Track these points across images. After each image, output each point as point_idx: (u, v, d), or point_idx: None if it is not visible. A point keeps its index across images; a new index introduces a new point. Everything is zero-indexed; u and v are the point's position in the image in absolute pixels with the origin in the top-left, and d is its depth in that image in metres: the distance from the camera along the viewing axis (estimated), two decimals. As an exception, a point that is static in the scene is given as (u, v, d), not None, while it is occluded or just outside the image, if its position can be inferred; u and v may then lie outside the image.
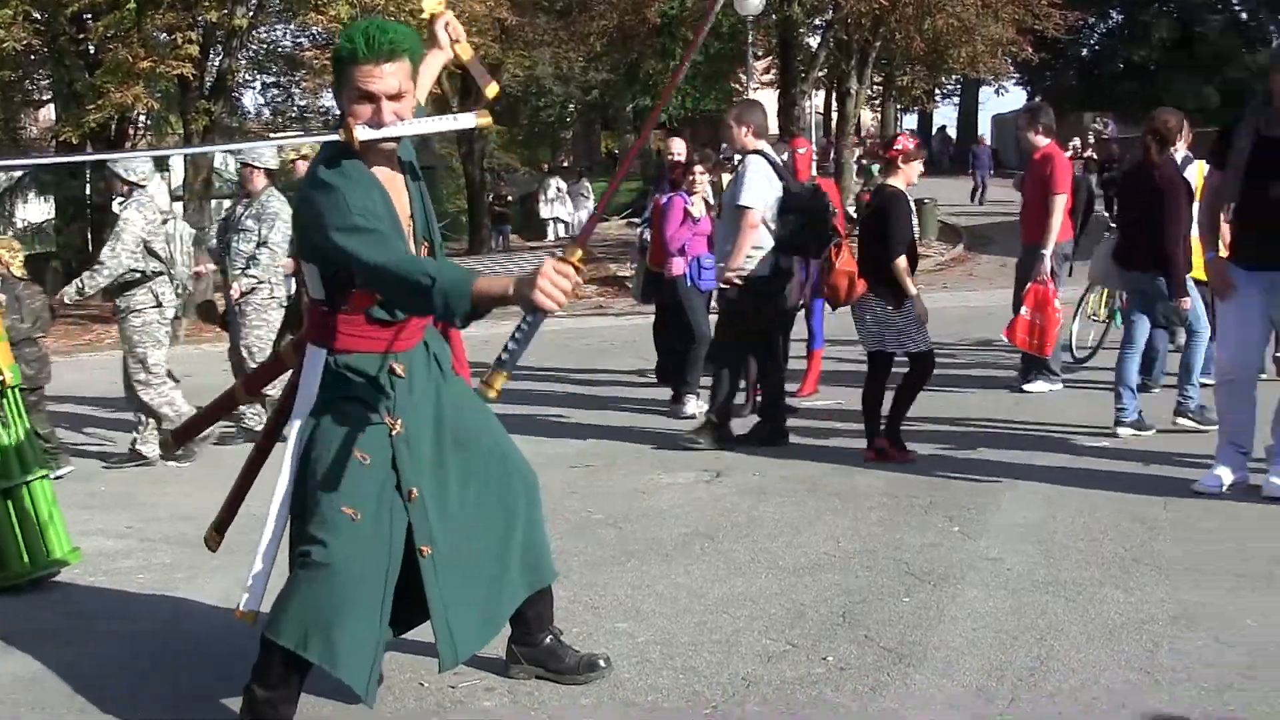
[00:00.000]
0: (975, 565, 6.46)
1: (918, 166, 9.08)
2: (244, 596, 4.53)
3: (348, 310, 4.36)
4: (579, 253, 3.83)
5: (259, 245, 10.56)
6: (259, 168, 10.69)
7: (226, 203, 15.26)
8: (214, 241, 11.96)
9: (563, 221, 40.25)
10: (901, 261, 8.85)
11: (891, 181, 8.98)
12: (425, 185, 4.62)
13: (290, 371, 4.72)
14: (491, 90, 4.61)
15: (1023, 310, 10.20)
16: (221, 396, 5.12)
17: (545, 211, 40.32)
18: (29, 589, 6.80)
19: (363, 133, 4.17)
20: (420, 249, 4.45)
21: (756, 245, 9.44)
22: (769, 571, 6.53)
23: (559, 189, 40.48)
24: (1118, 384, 9.39)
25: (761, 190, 9.41)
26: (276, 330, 10.78)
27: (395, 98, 4.19)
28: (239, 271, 10.59)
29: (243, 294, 10.58)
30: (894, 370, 9.19)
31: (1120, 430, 9.33)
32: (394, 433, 4.37)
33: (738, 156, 9.79)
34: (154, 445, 10.19)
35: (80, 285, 9.90)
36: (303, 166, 11.26)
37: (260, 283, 10.56)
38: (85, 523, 8.06)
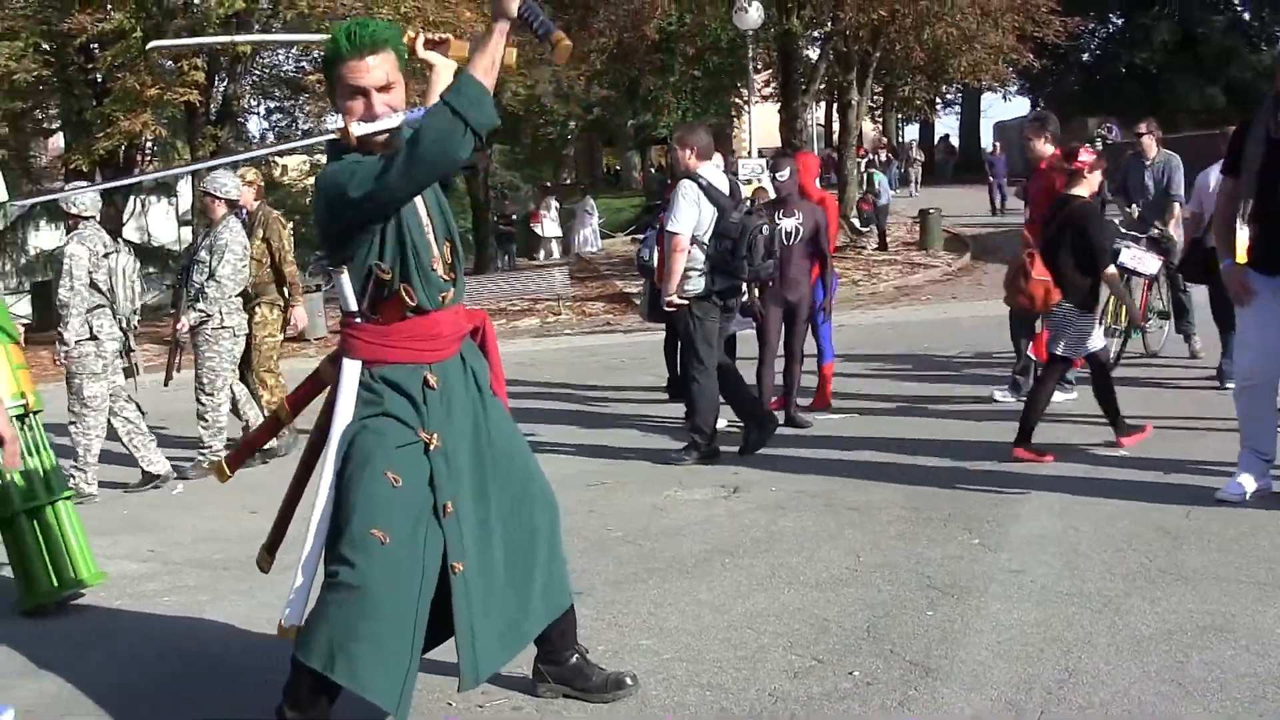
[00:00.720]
0: (997, 577, 6.43)
1: (1099, 176, 9.28)
2: (285, 611, 4.53)
3: (380, 321, 4.41)
4: None
5: (208, 277, 10.49)
6: (219, 197, 10.65)
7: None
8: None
9: (556, 238, 40.41)
10: (1112, 270, 9.10)
11: (1076, 191, 9.06)
12: (440, 188, 4.62)
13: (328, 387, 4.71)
14: (564, 49, 4.41)
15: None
16: (268, 418, 5.11)
17: (548, 230, 40.37)
18: (56, 610, 6.85)
19: (358, 128, 4.26)
20: (444, 247, 4.49)
21: (693, 266, 9.63)
22: (791, 586, 6.51)
23: (551, 207, 40.60)
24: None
25: (688, 216, 9.60)
26: (233, 359, 10.78)
27: (384, 89, 4.32)
28: (189, 304, 10.58)
29: (191, 327, 10.54)
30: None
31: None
32: (431, 448, 4.38)
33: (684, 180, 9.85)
34: (159, 465, 10.30)
35: (60, 335, 9.92)
36: (248, 193, 11.29)
37: (207, 316, 10.48)
38: (109, 546, 8.13)
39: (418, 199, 4.40)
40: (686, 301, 9.66)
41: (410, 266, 4.36)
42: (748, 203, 10.85)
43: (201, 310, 10.43)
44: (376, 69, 4.28)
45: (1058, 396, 11.00)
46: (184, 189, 35.81)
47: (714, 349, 9.81)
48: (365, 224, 4.24)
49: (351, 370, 4.46)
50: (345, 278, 4.37)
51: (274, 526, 5.02)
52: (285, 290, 11.51)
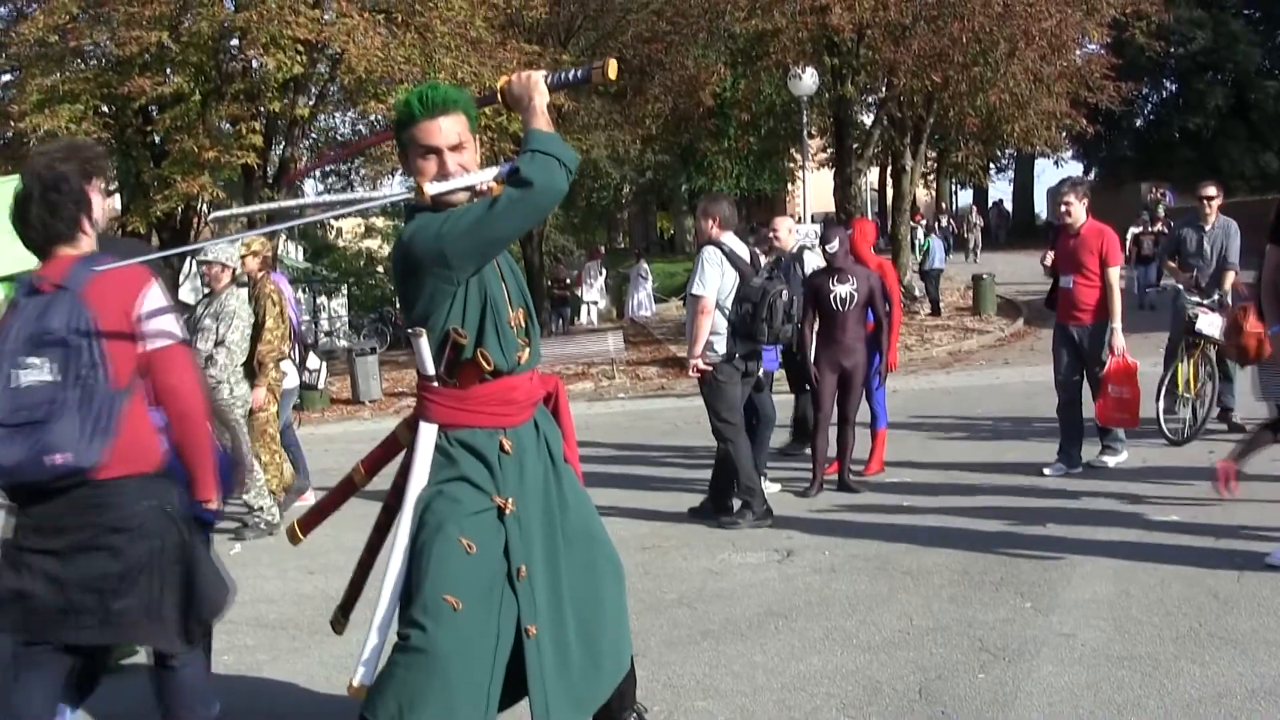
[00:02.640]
0: (1049, 641, 6.49)
1: None
2: (358, 670, 4.56)
3: (457, 385, 4.48)
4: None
5: (217, 344, 10.43)
6: (226, 265, 10.60)
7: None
8: None
9: (595, 303, 40.52)
10: None
11: None
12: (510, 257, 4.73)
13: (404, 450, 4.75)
14: (611, 70, 4.61)
15: (1109, 388, 10.45)
16: (343, 480, 5.16)
17: (588, 295, 40.52)
18: (116, 670, 6.92)
19: (433, 187, 4.32)
20: (518, 313, 4.57)
21: (716, 332, 9.92)
22: (844, 649, 6.59)
23: (593, 272, 40.72)
24: None
25: (713, 279, 9.89)
26: (244, 429, 10.70)
27: (456, 149, 4.42)
28: None
29: None
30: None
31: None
32: (507, 513, 4.45)
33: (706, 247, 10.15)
34: None
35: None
36: (252, 263, 11.18)
37: (219, 383, 10.37)
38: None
39: (495, 263, 4.50)
40: (711, 367, 9.92)
41: (488, 329, 4.43)
42: (766, 270, 11.03)
43: (214, 377, 10.34)
44: (449, 130, 4.39)
45: (1108, 459, 11.05)
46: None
47: (739, 411, 10.08)
48: (455, 274, 4.27)
49: (428, 434, 4.52)
50: (423, 341, 4.43)
51: (349, 587, 5.07)
52: (252, 365, 11.06)
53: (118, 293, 4.56)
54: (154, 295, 4.65)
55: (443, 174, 4.37)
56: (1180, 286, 12.67)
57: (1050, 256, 11.46)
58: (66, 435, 4.36)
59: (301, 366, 12.30)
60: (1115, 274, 10.89)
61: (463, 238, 4.18)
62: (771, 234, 12.62)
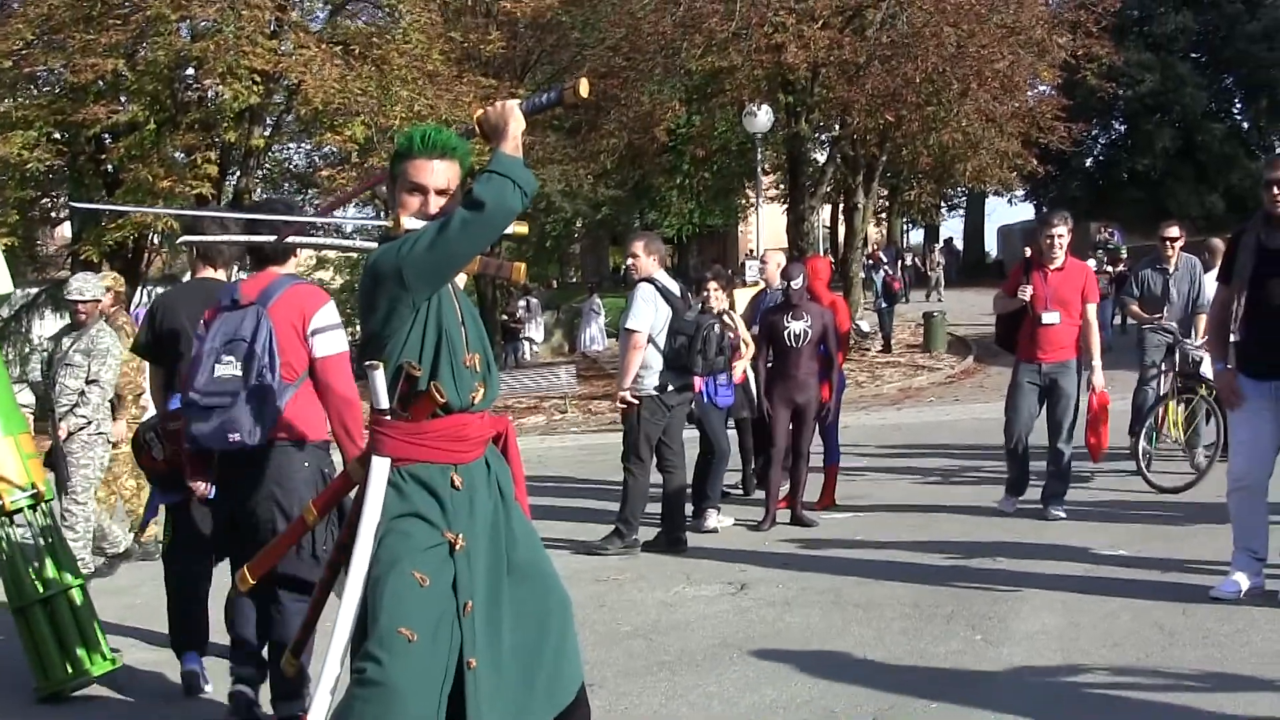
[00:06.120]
0: (999, 672, 6.59)
1: None
2: (309, 704, 4.59)
3: (410, 419, 4.52)
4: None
5: (89, 382, 10.13)
6: (89, 300, 10.20)
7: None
8: (35, 374, 11.34)
9: (532, 340, 40.07)
10: None
11: None
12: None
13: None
14: (583, 89, 4.72)
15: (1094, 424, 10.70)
16: (295, 522, 5.23)
17: (526, 331, 39.93)
18: (72, 697, 6.96)
19: (410, 222, 4.44)
20: (473, 356, 4.62)
21: (646, 366, 10.18)
22: (798, 680, 6.66)
23: (528, 306, 40.44)
24: None
25: (647, 314, 10.17)
26: (104, 467, 10.52)
27: (441, 193, 4.53)
28: (66, 409, 10.14)
29: (70, 433, 10.12)
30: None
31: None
32: (456, 549, 4.48)
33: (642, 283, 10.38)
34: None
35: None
36: (106, 298, 10.69)
37: (89, 421, 10.16)
38: (123, 635, 8.24)
39: (452, 302, 4.60)
40: (638, 400, 10.16)
41: (442, 365, 4.49)
42: (699, 304, 11.26)
43: (84, 416, 10.10)
44: (440, 173, 4.51)
45: (1061, 512, 10.87)
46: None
47: (652, 448, 10.35)
48: (411, 295, 4.35)
49: (380, 468, 4.55)
50: (379, 374, 4.47)
51: (301, 627, 5.10)
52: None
53: (295, 310, 6.02)
54: (325, 313, 6.10)
55: (423, 212, 4.48)
56: (1148, 326, 12.63)
57: (1030, 291, 10.75)
58: (242, 419, 5.84)
59: None
60: (1094, 311, 10.91)
61: (420, 258, 4.28)
62: (761, 266, 12.84)
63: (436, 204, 4.51)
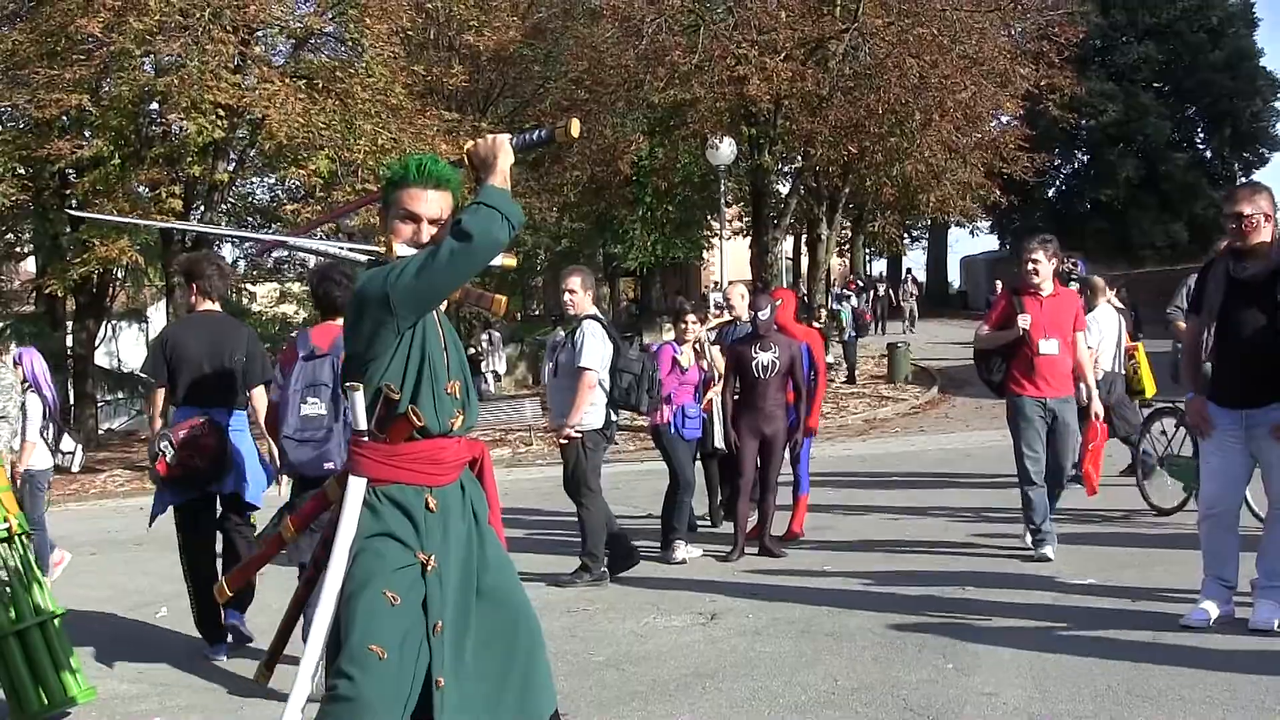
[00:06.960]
0: (971, 700, 6.60)
1: None
2: None
3: (387, 440, 4.59)
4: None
5: None
6: None
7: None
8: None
9: (496, 373, 39.85)
10: None
11: None
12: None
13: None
14: (574, 129, 4.76)
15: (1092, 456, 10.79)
16: (272, 537, 5.28)
17: (485, 364, 39.70)
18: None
19: (401, 249, 4.54)
20: (454, 384, 4.69)
21: (592, 402, 10.24)
22: (770, 709, 6.68)
23: (490, 340, 40.35)
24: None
25: (599, 352, 10.24)
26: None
27: (434, 223, 4.61)
28: None
29: None
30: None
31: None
32: (428, 569, 4.54)
33: (586, 321, 10.37)
34: None
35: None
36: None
37: None
38: (98, 666, 8.28)
39: (437, 330, 4.65)
40: (581, 435, 10.25)
41: (423, 390, 4.57)
42: (637, 342, 11.41)
43: None
44: (433, 203, 4.60)
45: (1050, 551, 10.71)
46: (155, 315, 35.85)
47: (599, 478, 10.50)
48: (396, 321, 4.42)
49: (357, 488, 4.62)
50: (359, 395, 4.55)
51: (274, 642, 5.17)
52: None
53: None
54: None
55: (415, 241, 4.56)
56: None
57: (1029, 320, 10.08)
58: (334, 450, 7.02)
59: (55, 448, 11.81)
60: (1084, 339, 10.73)
61: (407, 285, 4.35)
62: (725, 298, 12.91)
63: (428, 233, 4.59)
